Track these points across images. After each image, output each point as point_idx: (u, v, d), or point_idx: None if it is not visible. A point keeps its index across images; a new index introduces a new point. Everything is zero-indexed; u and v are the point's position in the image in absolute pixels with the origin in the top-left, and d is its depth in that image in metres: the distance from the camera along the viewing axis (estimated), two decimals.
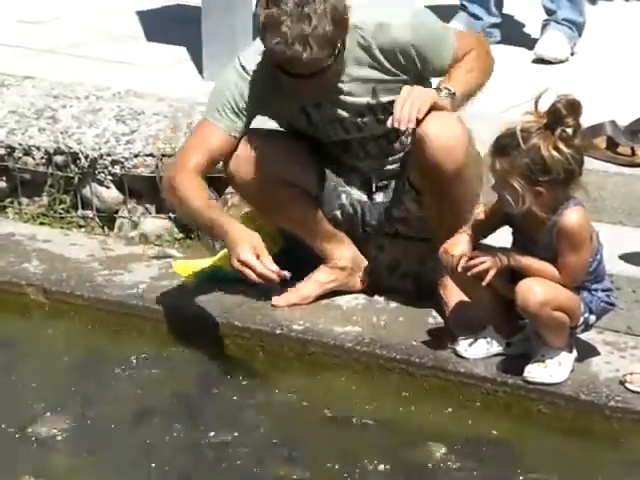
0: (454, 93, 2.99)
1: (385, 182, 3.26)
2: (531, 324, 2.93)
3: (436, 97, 2.97)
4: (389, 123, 2.96)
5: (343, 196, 3.27)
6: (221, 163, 3.20)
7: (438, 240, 3.02)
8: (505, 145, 2.77)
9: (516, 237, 2.95)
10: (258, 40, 3.00)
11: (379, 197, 3.27)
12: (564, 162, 2.76)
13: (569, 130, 2.74)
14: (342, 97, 3.08)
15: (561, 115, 2.73)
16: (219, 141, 3.10)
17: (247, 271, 2.93)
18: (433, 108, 2.95)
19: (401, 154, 3.20)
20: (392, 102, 2.98)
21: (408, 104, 2.92)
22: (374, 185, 3.26)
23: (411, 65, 3.05)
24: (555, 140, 2.74)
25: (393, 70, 3.05)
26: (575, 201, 2.85)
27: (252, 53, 3.09)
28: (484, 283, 2.84)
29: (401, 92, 2.96)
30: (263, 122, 3.22)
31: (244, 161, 3.13)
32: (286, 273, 2.96)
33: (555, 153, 2.74)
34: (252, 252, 2.94)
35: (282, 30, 2.86)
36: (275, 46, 2.89)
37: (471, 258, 2.86)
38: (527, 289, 2.80)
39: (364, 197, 3.28)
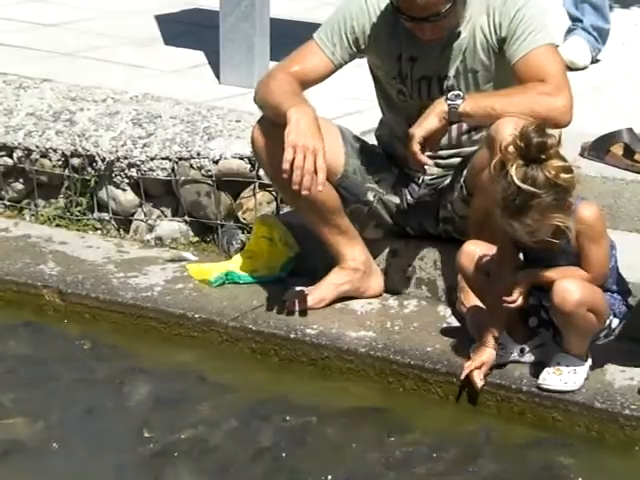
0: (456, 106, 2.96)
1: (432, 182, 3.27)
2: (558, 324, 2.90)
3: (429, 121, 2.98)
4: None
5: (370, 194, 3.28)
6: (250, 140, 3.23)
7: None
8: (520, 204, 2.73)
9: (528, 252, 2.94)
10: None
11: (425, 197, 3.28)
12: (573, 173, 2.77)
13: (554, 149, 2.74)
14: (442, 52, 3.09)
15: (544, 143, 2.72)
16: (316, 61, 3.15)
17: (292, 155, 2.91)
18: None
19: (457, 158, 3.22)
20: (474, 74, 3.06)
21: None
22: (421, 180, 3.27)
23: (500, 45, 3.04)
24: (552, 164, 2.73)
25: (491, 50, 3.07)
26: (580, 197, 2.87)
27: None
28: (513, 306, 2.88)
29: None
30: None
31: (271, 132, 3.11)
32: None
33: (564, 175, 2.75)
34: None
35: None
36: None
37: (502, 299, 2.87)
38: (565, 288, 2.81)
39: (396, 199, 3.30)
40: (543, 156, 2.72)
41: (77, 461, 2.80)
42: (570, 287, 2.81)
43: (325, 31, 3.18)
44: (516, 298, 2.87)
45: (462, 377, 2.93)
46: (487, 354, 2.94)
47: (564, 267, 2.86)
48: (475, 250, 2.97)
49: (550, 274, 2.86)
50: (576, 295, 2.80)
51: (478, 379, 2.92)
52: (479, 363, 2.93)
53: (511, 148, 2.74)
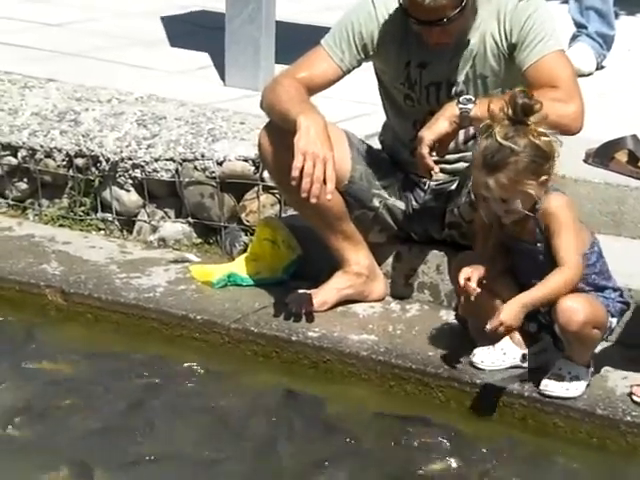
0: (468, 110, 2.96)
1: (438, 187, 3.27)
2: (562, 339, 2.90)
3: (439, 124, 2.97)
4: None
5: (375, 200, 3.28)
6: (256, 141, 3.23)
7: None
8: (498, 160, 2.78)
9: (514, 246, 2.95)
10: None
11: (430, 202, 3.28)
12: (554, 140, 2.81)
13: (539, 114, 2.78)
14: (452, 58, 3.10)
15: (530, 106, 2.77)
16: (324, 67, 3.15)
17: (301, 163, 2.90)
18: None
19: (463, 163, 3.22)
20: (484, 79, 3.07)
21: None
22: (426, 186, 3.27)
23: (511, 51, 3.05)
24: (536, 129, 2.78)
25: (500, 54, 3.08)
26: (554, 187, 2.88)
27: None
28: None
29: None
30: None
31: (278, 137, 3.11)
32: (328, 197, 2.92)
33: (544, 138, 2.79)
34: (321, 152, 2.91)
35: None
36: None
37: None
38: (569, 308, 2.81)
39: (401, 204, 3.30)
40: (528, 120, 2.76)
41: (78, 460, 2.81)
42: (574, 306, 2.81)
43: (333, 37, 3.17)
44: (497, 326, 2.82)
45: (462, 284, 2.88)
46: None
47: (545, 278, 2.84)
48: (469, 260, 2.96)
49: (536, 293, 2.83)
50: (581, 315, 2.80)
51: (471, 288, 2.89)
52: (466, 275, 2.89)
53: (498, 111, 2.78)
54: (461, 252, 3.07)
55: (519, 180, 2.79)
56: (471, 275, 2.89)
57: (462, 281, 2.89)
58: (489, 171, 2.79)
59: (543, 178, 2.82)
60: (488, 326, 2.83)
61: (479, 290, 2.89)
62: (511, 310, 2.83)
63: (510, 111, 2.77)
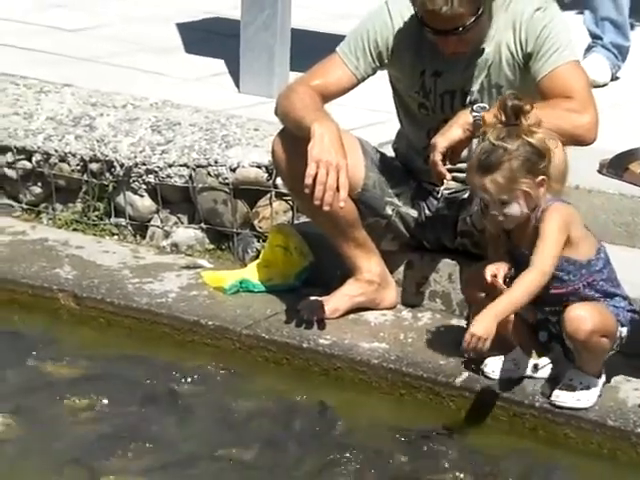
0: (479, 119, 2.95)
1: (450, 196, 3.27)
2: (571, 348, 2.90)
3: (452, 131, 2.97)
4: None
5: (388, 208, 3.29)
6: (270, 147, 3.24)
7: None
8: (492, 160, 2.80)
9: (518, 255, 2.94)
10: None
11: (443, 210, 3.28)
12: (547, 140, 2.81)
13: (531, 115, 2.80)
14: (467, 67, 3.11)
15: (520, 107, 2.79)
16: (339, 75, 3.15)
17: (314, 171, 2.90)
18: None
19: None
20: (499, 89, 3.07)
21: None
22: (439, 194, 3.28)
23: (526, 61, 3.05)
24: (527, 127, 2.80)
25: (515, 65, 3.08)
26: (559, 199, 2.88)
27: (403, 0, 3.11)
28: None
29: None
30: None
31: (292, 144, 3.12)
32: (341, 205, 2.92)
33: (538, 135, 2.81)
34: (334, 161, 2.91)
35: None
36: None
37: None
38: (577, 317, 2.81)
39: (414, 212, 3.30)
40: (519, 120, 2.78)
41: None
42: (582, 314, 2.81)
43: (348, 45, 3.18)
44: (470, 340, 2.79)
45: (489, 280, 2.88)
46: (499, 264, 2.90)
47: (513, 284, 2.82)
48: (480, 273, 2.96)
49: (505, 300, 2.79)
50: (589, 324, 2.80)
51: (499, 284, 2.87)
52: (492, 272, 2.88)
53: (492, 117, 2.82)
54: (473, 265, 3.05)
55: (515, 179, 2.80)
56: (497, 272, 2.89)
57: (489, 278, 2.88)
58: (484, 172, 2.81)
59: (540, 178, 2.82)
60: (463, 344, 2.80)
61: (505, 288, 2.88)
62: (482, 321, 2.80)
63: (502, 115, 2.80)
